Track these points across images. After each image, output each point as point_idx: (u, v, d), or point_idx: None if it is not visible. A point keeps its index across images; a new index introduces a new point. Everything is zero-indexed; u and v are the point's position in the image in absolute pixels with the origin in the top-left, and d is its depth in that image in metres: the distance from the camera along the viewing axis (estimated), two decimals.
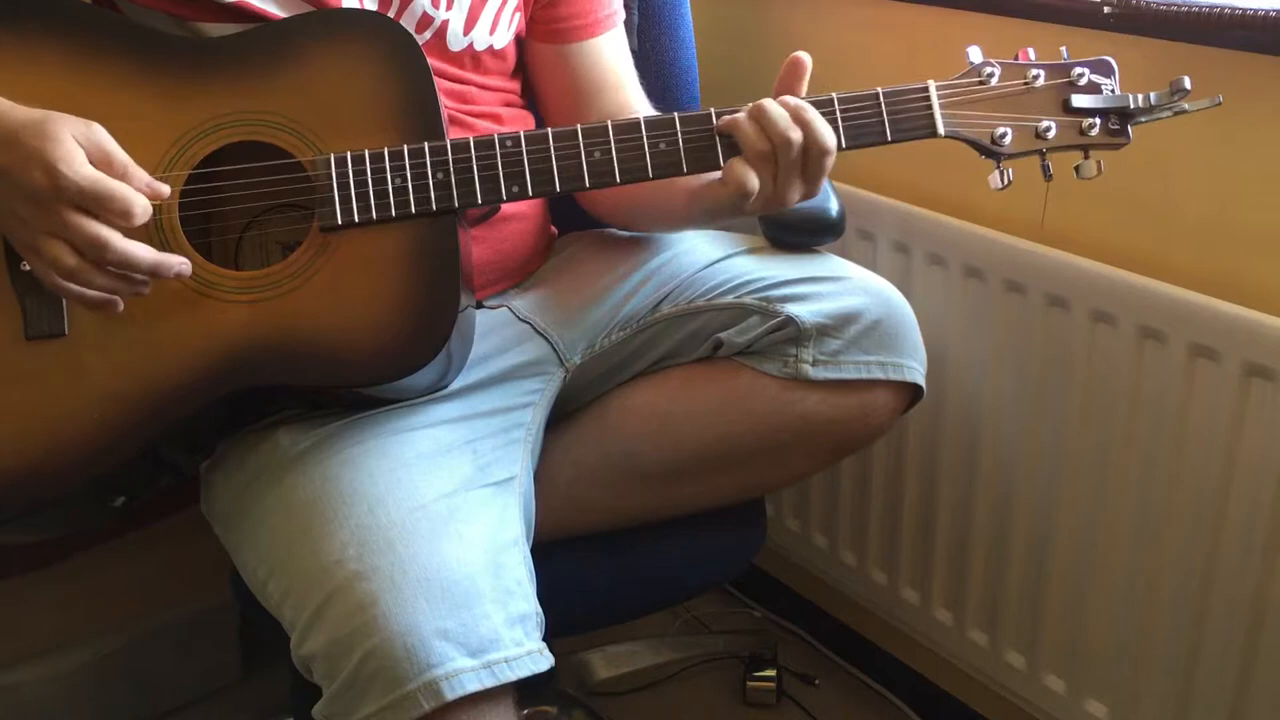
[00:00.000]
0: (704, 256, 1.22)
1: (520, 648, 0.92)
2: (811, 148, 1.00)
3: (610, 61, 1.23)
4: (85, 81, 0.99)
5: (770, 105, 1.00)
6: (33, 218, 0.89)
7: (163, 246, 0.97)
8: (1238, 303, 1.16)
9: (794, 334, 1.13)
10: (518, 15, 1.18)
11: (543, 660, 0.94)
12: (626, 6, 1.29)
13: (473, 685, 0.89)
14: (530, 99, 1.26)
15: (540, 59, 1.23)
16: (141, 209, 0.91)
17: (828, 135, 1.00)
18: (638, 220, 1.26)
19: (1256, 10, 1.11)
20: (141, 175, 0.93)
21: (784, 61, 1.03)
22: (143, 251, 0.92)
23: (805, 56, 1.02)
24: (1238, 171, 1.19)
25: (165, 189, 0.94)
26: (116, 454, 0.97)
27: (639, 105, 1.23)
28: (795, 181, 1.01)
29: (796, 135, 0.99)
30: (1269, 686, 1.20)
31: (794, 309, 1.14)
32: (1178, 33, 1.16)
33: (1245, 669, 1.21)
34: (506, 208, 1.17)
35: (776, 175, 1.00)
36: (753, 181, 0.99)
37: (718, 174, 1.03)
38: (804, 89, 1.02)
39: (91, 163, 0.90)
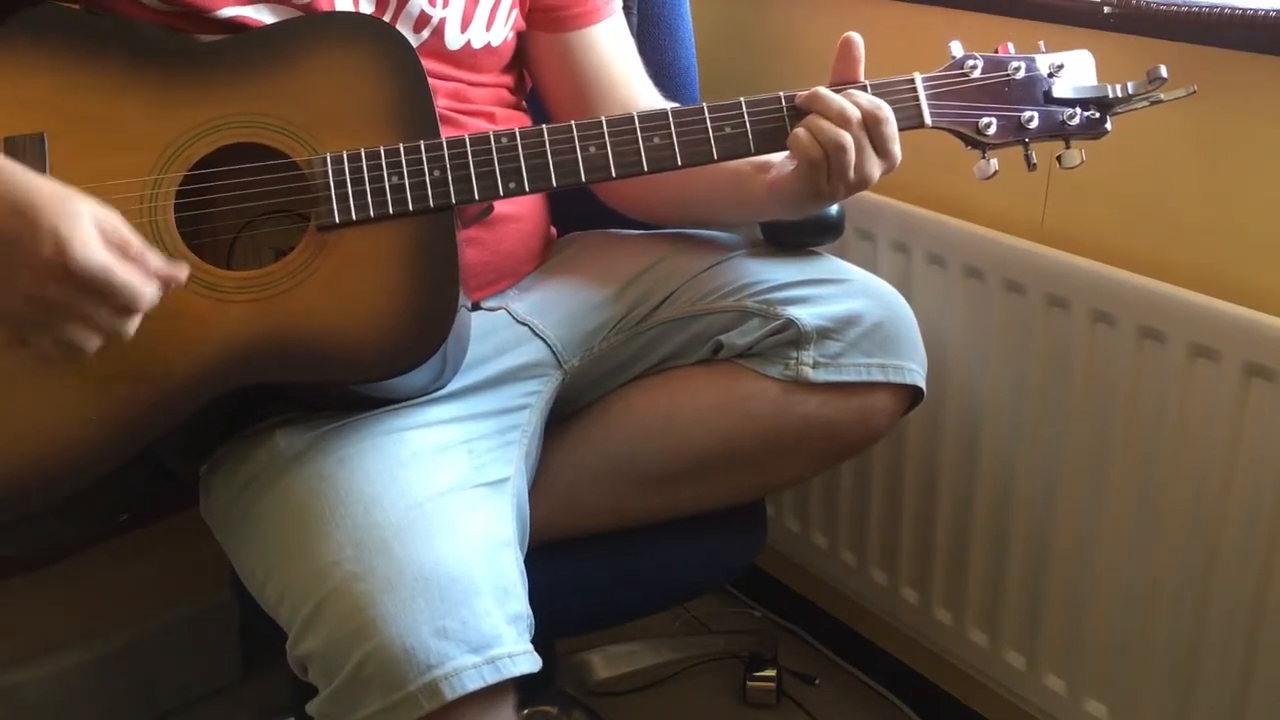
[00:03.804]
0: (704, 259, 1.21)
1: (519, 645, 0.93)
2: (866, 118, 1.02)
3: (611, 53, 1.23)
4: (75, 86, 0.99)
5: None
6: (28, 287, 0.85)
7: (159, 248, 0.96)
8: (1238, 303, 1.16)
9: (794, 336, 1.13)
10: (514, 12, 1.18)
11: (535, 662, 0.94)
12: (626, 8, 1.29)
13: (474, 683, 0.89)
14: (524, 97, 1.26)
15: (543, 51, 1.22)
16: (148, 300, 0.88)
17: (876, 104, 1.02)
18: (696, 214, 1.25)
19: (1256, 10, 1.11)
20: (156, 260, 0.89)
21: (837, 45, 1.05)
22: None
23: (855, 36, 1.04)
24: (1238, 171, 1.19)
25: (183, 273, 0.91)
26: (115, 457, 0.96)
27: (649, 101, 1.23)
28: (870, 156, 1.03)
29: (854, 112, 1.01)
30: (1269, 686, 1.20)
31: (795, 311, 1.14)
32: (1178, 33, 1.16)
33: (1245, 669, 1.21)
34: (504, 209, 1.17)
35: (845, 162, 1.02)
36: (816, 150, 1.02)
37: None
38: (860, 70, 1.05)
39: (106, 246, 0.86)
